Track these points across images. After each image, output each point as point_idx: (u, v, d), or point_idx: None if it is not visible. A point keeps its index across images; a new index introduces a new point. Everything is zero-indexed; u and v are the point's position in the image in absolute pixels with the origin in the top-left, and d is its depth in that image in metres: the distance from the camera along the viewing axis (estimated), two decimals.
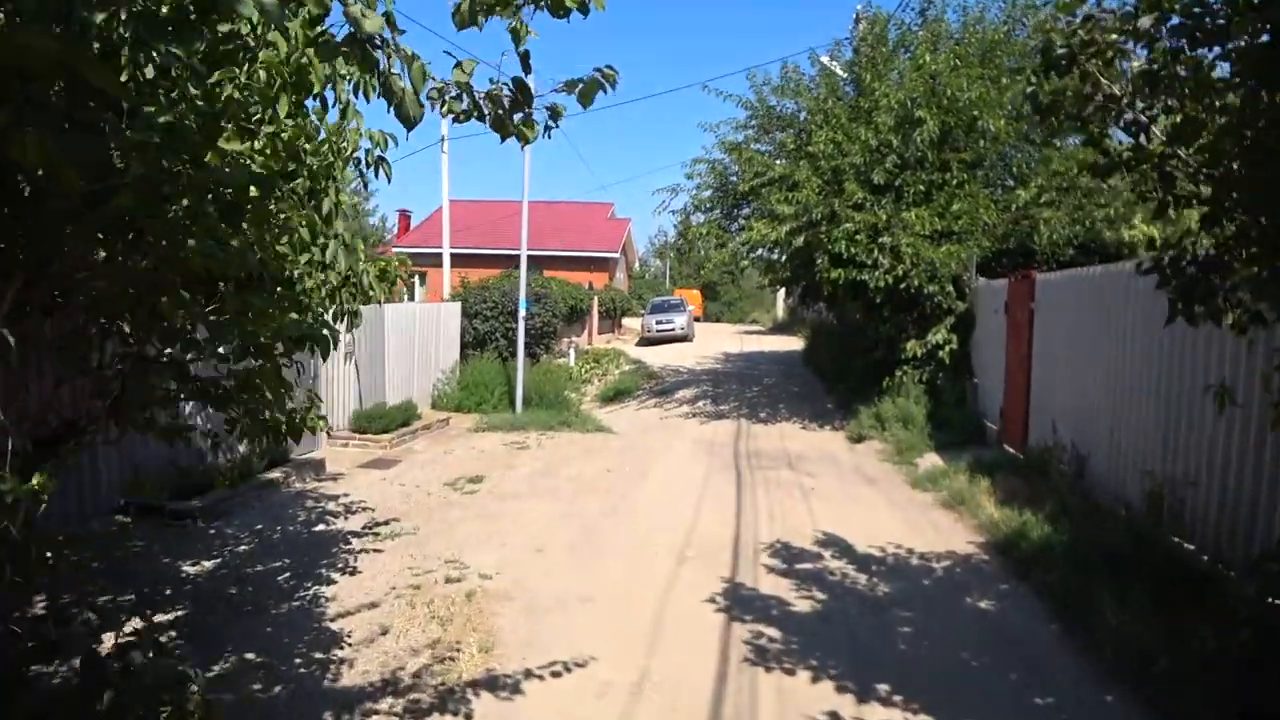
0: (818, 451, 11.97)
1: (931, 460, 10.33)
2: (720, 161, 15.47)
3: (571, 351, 23.64)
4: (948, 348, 12.62)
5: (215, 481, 8.49)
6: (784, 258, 14.38)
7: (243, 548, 7.06)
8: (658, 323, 33.03)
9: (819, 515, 8.04)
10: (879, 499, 8.88)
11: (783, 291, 45.00)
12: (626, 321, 39.37)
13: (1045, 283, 9.49)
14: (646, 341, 32.59)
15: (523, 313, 14.83)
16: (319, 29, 3.23)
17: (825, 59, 15.28)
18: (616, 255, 39.71)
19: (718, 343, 31.95)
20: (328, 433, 11.38)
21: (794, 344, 29.81)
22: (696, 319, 38.70)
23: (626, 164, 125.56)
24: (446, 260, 22.79)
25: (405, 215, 42.90)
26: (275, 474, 9.18)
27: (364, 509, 8.30)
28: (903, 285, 12.39)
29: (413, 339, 13.99)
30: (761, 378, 21.15)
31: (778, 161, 14.29)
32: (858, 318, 14.61)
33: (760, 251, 15.78)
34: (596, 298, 31.72)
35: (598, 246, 38.40)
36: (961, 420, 11.71)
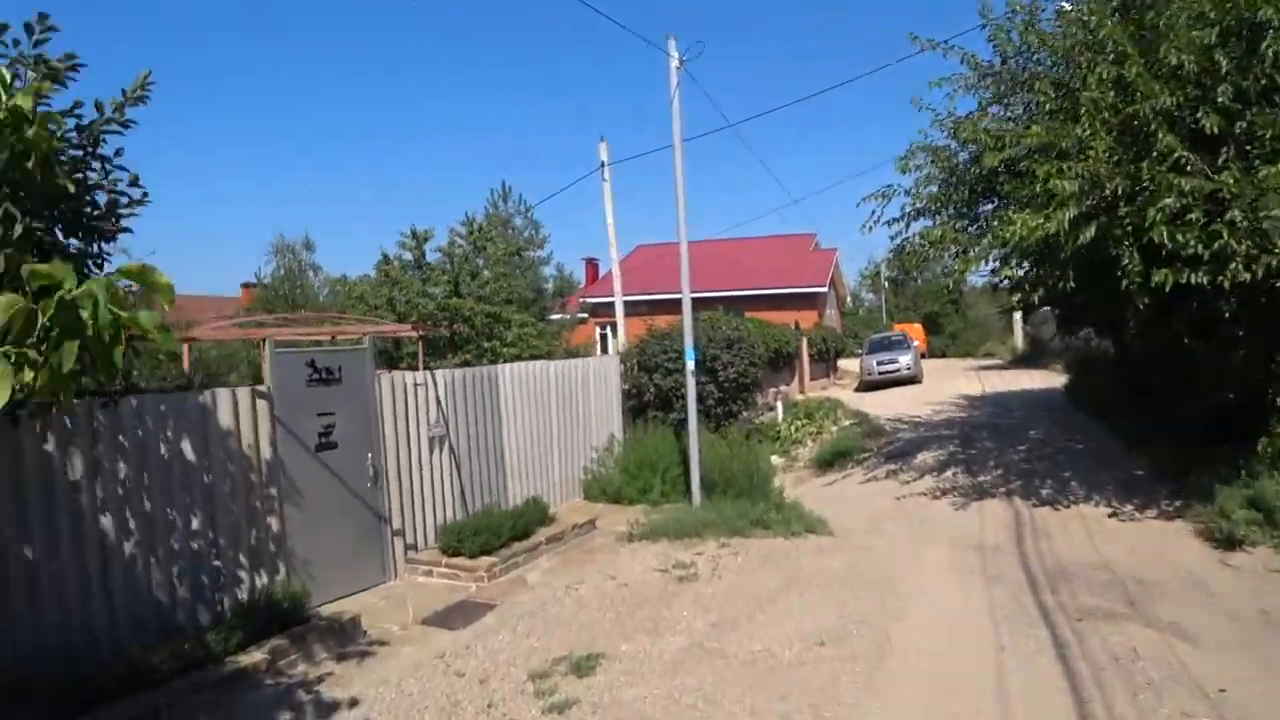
0: (1164, 565, 7.34)
1: None
2: (945, 147, 11.22)
3: (779, 405, 19.71)
4: None
5: (151, 675, 5.11)
6: (1065, 256, 9.54)
7: None
8: (879, 363, 28.35)
9: None
10: None
11: (1019, 317, 38.34)
12: (842, 363, 34.68)
13: None
14: (868, 386, 27.99)
15: (690, 365, 11.13)
16: None
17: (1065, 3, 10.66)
18: (824, 289, 35.37)
19: (951, 383, 26.71)
20: (405, 557, 8.19)
21: (1047, 380, 24.17)
22: (921, 356, 33.37)
23: (827, 187, 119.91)
24: (619, 307, 19.75)
25: (592, 264, 41.29)
26: (262, 652, 5.73)
27: None
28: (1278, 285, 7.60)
29: (547, 409, 10.73)
30: (1024, 429, 16.12)
31: (1033, 128, 9.77)
32: (1186, 342, 9.65)
33: (1013, 261, 11.29)
34: (805, 338, 27.53)
35: (802, 281, 34.35)
36: None
